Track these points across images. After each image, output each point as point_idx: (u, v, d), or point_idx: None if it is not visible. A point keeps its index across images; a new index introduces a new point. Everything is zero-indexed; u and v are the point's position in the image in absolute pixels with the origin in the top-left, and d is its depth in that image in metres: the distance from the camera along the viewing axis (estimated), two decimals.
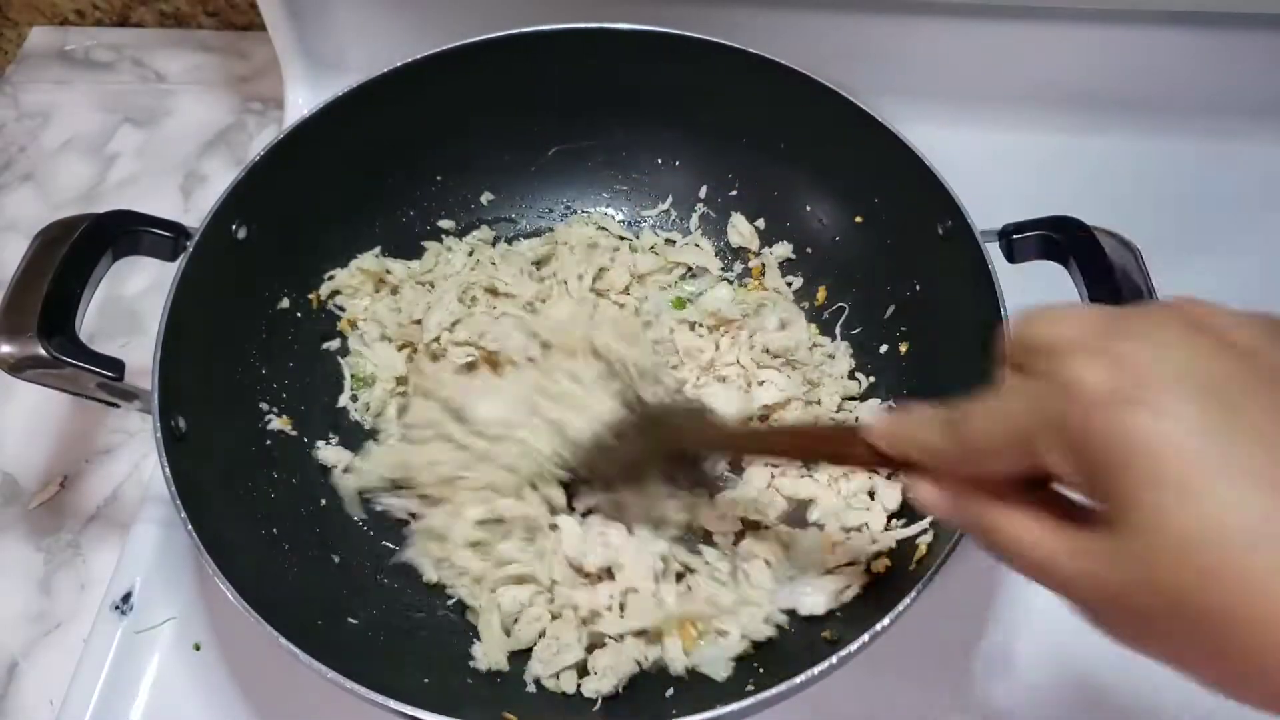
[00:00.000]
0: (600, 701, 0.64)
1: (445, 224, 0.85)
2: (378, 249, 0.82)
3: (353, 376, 0.78)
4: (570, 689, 0.64)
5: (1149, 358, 0.32)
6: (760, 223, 0.85)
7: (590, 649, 0.65)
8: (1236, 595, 0.30)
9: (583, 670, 0.65)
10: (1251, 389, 0.31)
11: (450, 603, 0.69)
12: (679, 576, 0.68)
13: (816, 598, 0.65)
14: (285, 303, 0.78)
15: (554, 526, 0.69)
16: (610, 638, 0.65)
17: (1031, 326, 0.36)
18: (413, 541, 0.70)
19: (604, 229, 0.85)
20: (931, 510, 0.43)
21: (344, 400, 0.77)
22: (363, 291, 0.81)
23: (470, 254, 0.84)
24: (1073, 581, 0.35)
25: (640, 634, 0.65)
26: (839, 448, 0.52)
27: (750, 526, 0.70)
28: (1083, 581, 0.34)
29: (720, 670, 0.64)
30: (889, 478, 0.70)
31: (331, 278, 0.80)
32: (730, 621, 0.65)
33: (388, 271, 0.82)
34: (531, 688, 0.65)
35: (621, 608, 0.66)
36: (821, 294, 0.82)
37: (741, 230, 0.84)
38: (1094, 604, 0.35)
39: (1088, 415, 0.32)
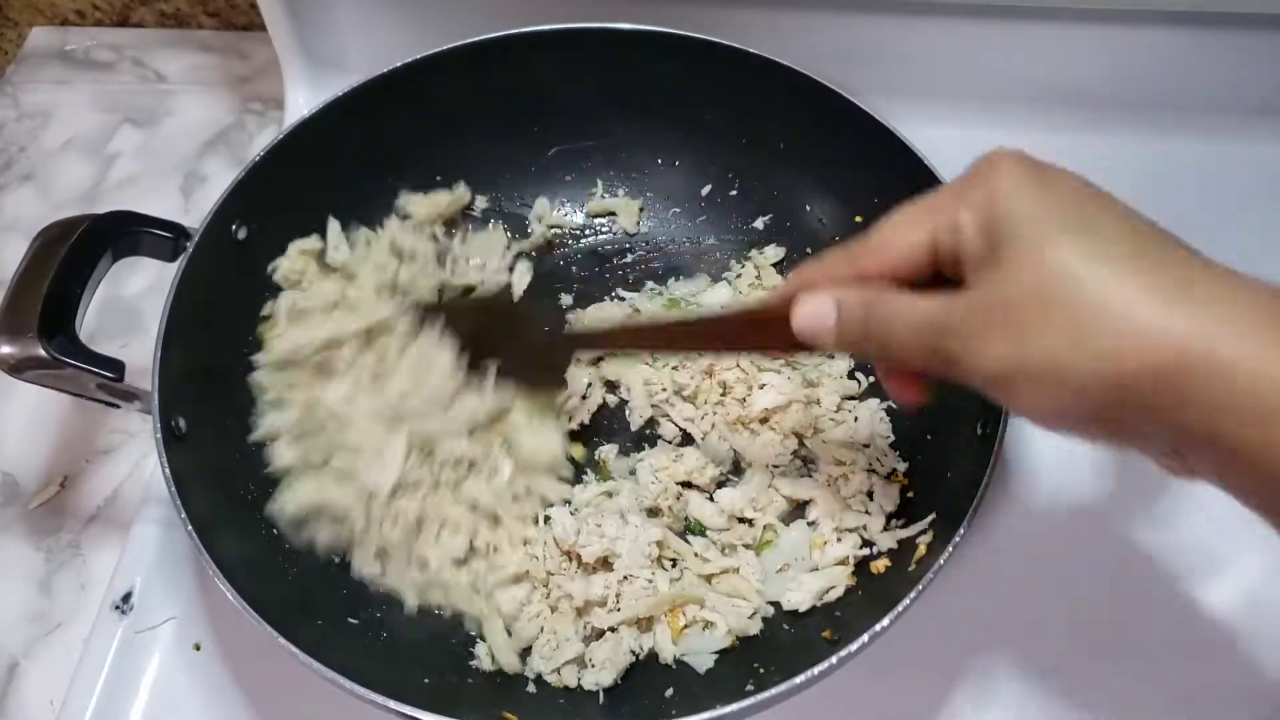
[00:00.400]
0: (601, 699, 0.64)
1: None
2: (315, 235, 0.77)
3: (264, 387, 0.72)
4: (572, 683, 0.64)
5: (1057, 171, 0.44)
6: (759, 223, 0.85)
7: (587, 641, 0.66)
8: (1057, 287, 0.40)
9: (581, 663, 0.65)
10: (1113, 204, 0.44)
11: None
12: (672, 563, 0.69)
13: (800, 594, 0.66)
14: None
15: (546, 519, 0.70)
16: (609, 628, 0.66)
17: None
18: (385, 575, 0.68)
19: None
20: (818, 320, 0.49)
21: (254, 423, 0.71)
22: (308, 277, 0.76)
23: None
24: (948, 317, 0.43)
25: (634, 623, 0.66)
26: (740, 326, 0.56)
27: (743, 521, 0.71)
28: (956, 312, 0.43)
29: (703, 662, 0.65)
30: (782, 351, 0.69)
31: (274, 270, 0.75)
32: (718, 614, 0.66)
33: (321, 253, 0.77)
34: (531, 687, 0.65)
35: (618, 597, 0.66)
36: None
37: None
38: (963, 330, 0.43)
39: (1009, 187, 0.42)
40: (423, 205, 0.82)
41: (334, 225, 0.78)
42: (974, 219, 0.43)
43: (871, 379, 0.77)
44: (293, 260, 0.76)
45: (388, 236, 0.80)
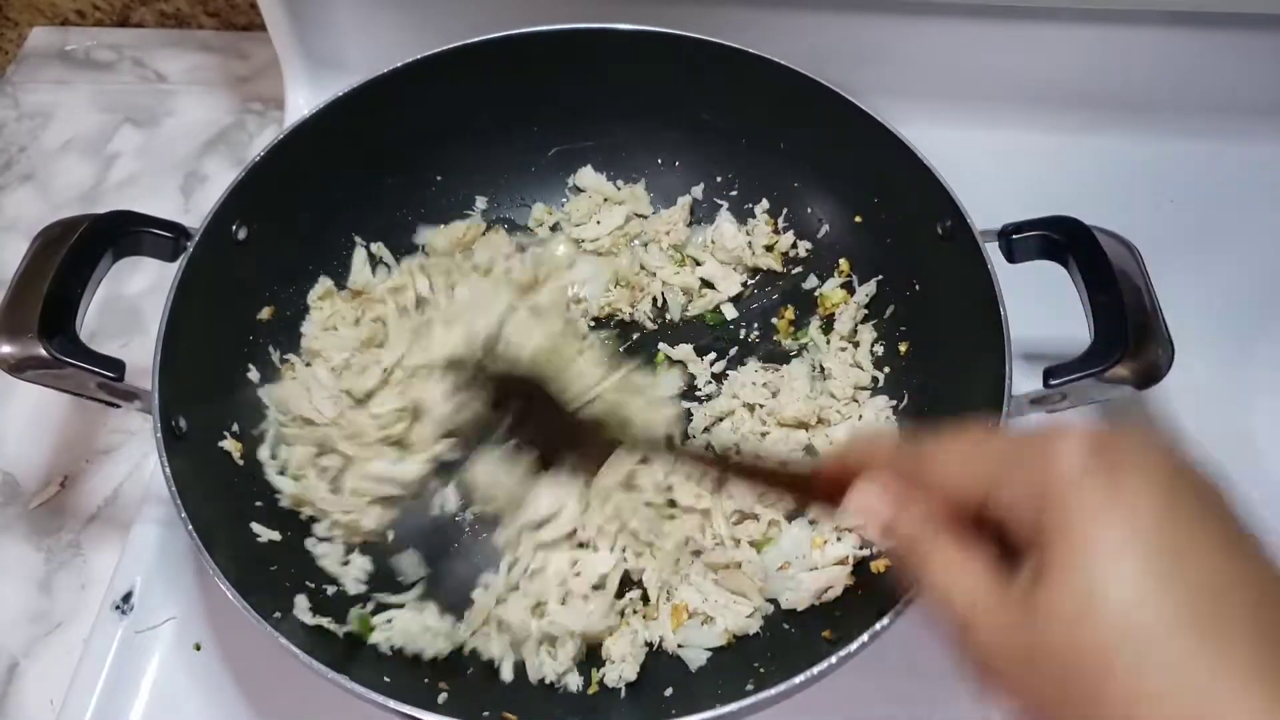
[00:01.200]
0: (599, 699, 0.64)
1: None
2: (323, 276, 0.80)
3: (279, 429, 0.72)
4: (576, 686, 0.64)
5: (1130, 470, 0.35)
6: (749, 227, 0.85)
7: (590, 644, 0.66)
8: (1101, 670, 0.33)
9: (597, 661, 0.65)
10: (1203, 542, 0.34)
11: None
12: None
13: (799, 594, 0.66)
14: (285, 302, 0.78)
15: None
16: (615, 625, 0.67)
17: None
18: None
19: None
20: (870, 517, 0.43)
21: (263, 453, 0.71)
22: (337, 313, 0.79)
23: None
24: (981, 623, 0.37)
25: (637, 612, 0.67)
26: (785, 480, 0.53)
27: (748, 519, 0.70)
28: (990, 625, 0.37)
29: (697, 658, 0.65)
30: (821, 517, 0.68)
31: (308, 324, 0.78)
32: (718, 609, 0.66)
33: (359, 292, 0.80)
34: (534, 686, 0.65)
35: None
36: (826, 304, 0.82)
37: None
38: (988, 637, 0.37)
39: (1068, 477, 0.35)
40: (442, 237, 0.83)
41: (359, 253, 0.81)
42: (1025, 504, 0.37)
43: (885, 370, 0.77)
44: (323, 311, 0.78)
45: (407, 274, 0.81)
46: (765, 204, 0.84)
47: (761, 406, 0.75)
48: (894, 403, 0.75)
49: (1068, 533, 0.34)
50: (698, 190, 0.86)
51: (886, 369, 0.77)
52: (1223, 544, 0.34)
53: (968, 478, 0.40)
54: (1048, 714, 0.35)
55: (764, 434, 0.74)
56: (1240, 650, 0.32)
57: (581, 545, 0.70)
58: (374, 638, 0.65)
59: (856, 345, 0.78)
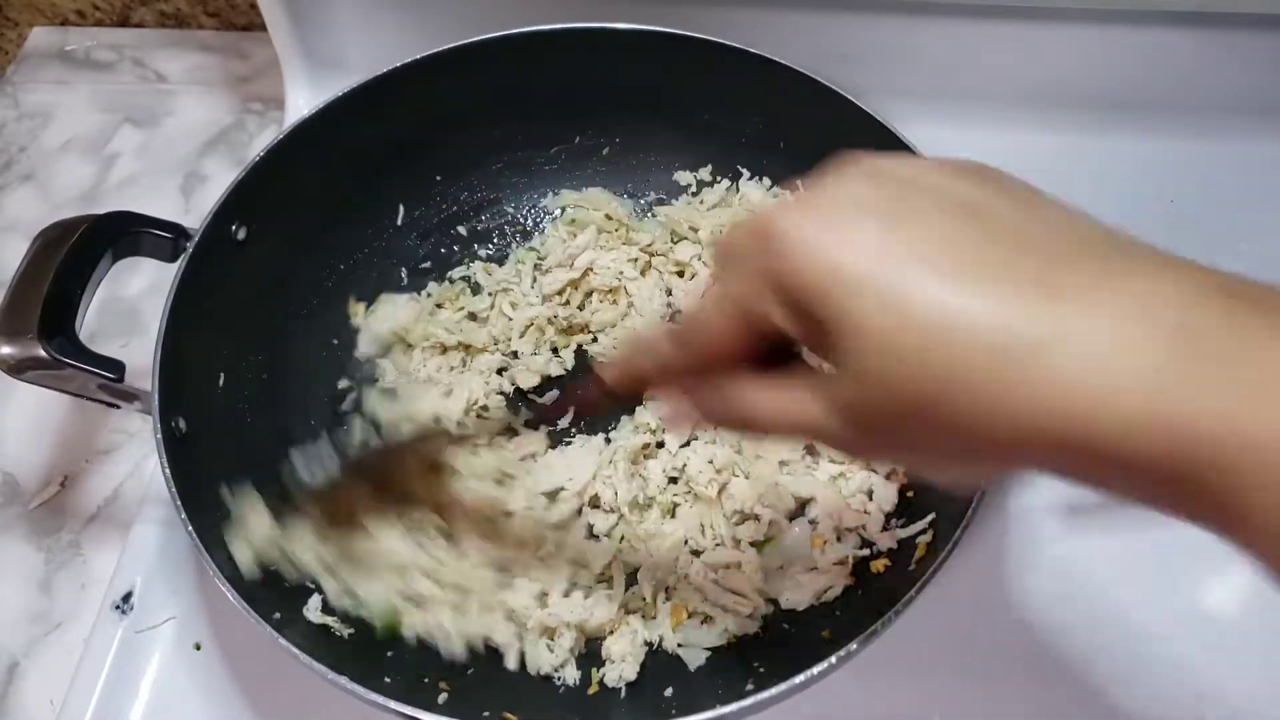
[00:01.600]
0: (599, 699, 0.64)
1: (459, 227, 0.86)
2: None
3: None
4: (574, 680, 0.64)
5: (831, 197, 0.36)
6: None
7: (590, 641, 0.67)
8: (945, 373, 0.32)
9: (597, 661, 0.65)
10: (916, 204, 0.35)
11: None
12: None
13: (799, 594, 0.66)
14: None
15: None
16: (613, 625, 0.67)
17: (732, 228, 0.39)
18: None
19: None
20: (679, 420, 0.43)
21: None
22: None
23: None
24: (811, 417, 0.37)
25: (636, 611, 0.67)
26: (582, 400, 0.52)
27: (749, 519, 0.71)
28: (820, 414, 0.37)
29: (696, 658, 0.65)
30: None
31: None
32: (719, 609, 0.66)
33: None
34: (534, 686, 0.65)
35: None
36: None
37: None
38: (839, 430, 0.37)
39: (790, 257, 0.35)
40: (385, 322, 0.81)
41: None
42: (777, 305, 0.36)
43: None
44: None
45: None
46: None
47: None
48: None
49: (829, 298, 0.34)
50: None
51: None
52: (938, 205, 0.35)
53: (727, 334, 0.39)
54: (905, 450, 0.37)
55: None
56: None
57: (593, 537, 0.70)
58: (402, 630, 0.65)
59: None
